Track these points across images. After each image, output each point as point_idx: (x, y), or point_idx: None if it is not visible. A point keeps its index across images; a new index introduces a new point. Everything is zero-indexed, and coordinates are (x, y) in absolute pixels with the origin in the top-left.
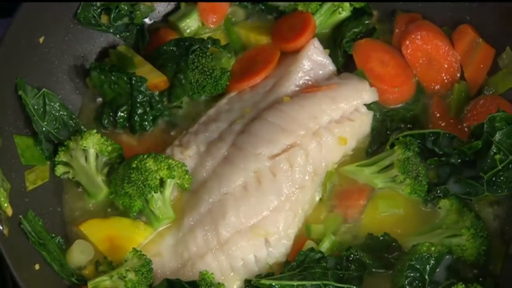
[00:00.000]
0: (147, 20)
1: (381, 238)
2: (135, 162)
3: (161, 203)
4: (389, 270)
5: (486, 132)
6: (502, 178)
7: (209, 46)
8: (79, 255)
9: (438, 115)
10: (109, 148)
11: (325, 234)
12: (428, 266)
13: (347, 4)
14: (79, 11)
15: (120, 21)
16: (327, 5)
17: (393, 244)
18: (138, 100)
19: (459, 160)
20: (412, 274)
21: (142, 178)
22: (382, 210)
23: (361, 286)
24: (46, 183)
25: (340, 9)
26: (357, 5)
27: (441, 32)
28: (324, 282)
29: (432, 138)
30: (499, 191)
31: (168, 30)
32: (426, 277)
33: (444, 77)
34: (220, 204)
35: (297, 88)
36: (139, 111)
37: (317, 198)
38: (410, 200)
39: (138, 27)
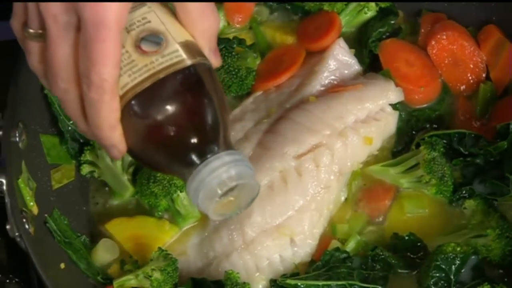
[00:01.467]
0: None
1: (406, 238)
2: None
3: (187, 202)
4: (414, 270)
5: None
6: None
7: (235, 46)
8: (104, 254)
9: (463, 115)
10: None
11: (351, 234)
12: (453, 266)
13: (373, 4)
14: None
15: None
16: (353, 4)
17: (419, 244)
18: None
19: (485, 161)
20: (437, 274)
21: (167, 178)
22: (408, 210)
23: (386, 286)
24: (71, 182)
25: (366, 9)
26: (383, 4)
27: (466, 32)
28: (350, 282)
29: (457, 138)
30: None
31: None
32: (452, 277)
33: (470, 77)
34: None
35: (322, 88)
36: None
37: (343, 198)
38: (435, 200)
39: None
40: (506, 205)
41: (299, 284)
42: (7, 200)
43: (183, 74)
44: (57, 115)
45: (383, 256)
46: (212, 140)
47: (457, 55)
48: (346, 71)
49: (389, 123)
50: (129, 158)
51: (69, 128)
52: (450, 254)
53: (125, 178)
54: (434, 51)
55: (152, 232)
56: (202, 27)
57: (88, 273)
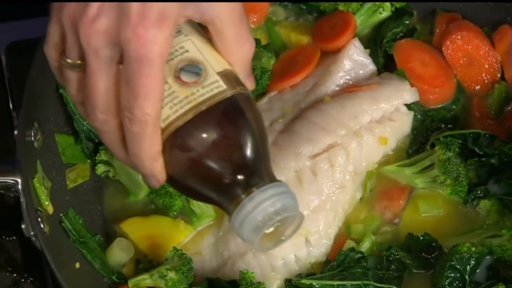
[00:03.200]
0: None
1: (421, 238)
2: None
3: (202, 203)
4: (429, 270)
5: None
6: None
7: None
8: (119, 253)
9: (478, 115)
10: None
11: (365, 234)
12: (468, 266)
13: (387, 4)
14: None
15: None
16: (368, 5)
17: (433, 244)
18: None
19: (500, 161)
20: (452, 275)
21: None
22: (422, 210)
23: (401, 286)
24: (86, 181)
25: (381, 9)
26: (398, 4)
27: (481, 32)
28: (364, 282)
29: (472, 138)
30: None
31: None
32: (467, 277)
33: (485, 78)
34: None
35: (337, 88)
36: None
37: (357, 198)
38: (450, 200)
39: None
40: None
41: (314, 284)
42: (22, 199)
43: (225, 105)
44: (72, 114)
45: (397, 256)
46: (255, 172)
47: (472, 55)
48: (361, 71)
49: (404, 123)
50: None
51: (84, 127)
52: (465, 254)
53: (140, 177)
54: (449, 51)
55: (167, 232)
56: (239, 54)
57: (103, 272)
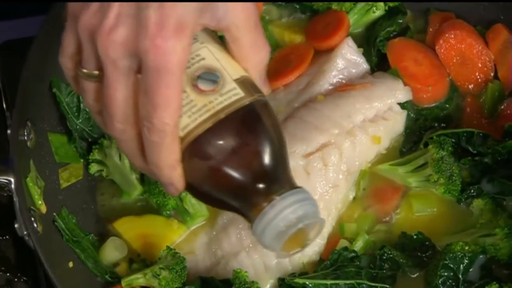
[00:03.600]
0: None
1: (414, 237)
2: None
3: (195, 201)
4: (423, 269)
5: None
6: None
7: None
8: (113, 252)
9: (471, 114)
10: None
11: (359, 233)
12: (461, 265)
13: (381, 3)
14: None
15: None
16: (361, 4)
17: (427, 243)
18: None
19: (493, 160)
20: (445, 274)
21: None
22: (416, 209)
23: (394, 285)
24: (79, 180)
25: (374, 8)
26: (391, 4)
27: (474, 31)
28: (358, 281)
29: (466, 137)
30: None
31: None
32: (460, 276)
33: (478, 77)
34: None
35: (331, 87)
36: None
37: (351, 197)
38: (443, 199)
39: None
40: None
41: (307, 283)
42: (15, 199)
43: (243, 112)
44: (65, 114)
45: (391, 255)
46: (276, 179)
47: (465, 54)
48: (354, 70)
49: (398, 122)
50: None
51: (77, 127)
52: (459, 253)
53: (134, 177)
54: (442, 50)
55: (161, 231)
56: (255, 60)
57: (96, 272)
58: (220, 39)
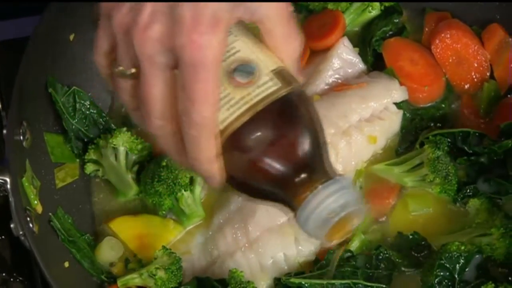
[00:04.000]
0: None
1: (410, 236)
2: (165, 160)
3: (191, 201)
4: (419, 269)
5: None
6: None
7: None
8: (108, 252)
9: (467, 114)
10: (139, 146)
11: (355, 233)
12: (457, 265)
13: (377, 2)
14: None
15: None
16: (357, 3)
17: (423, 243)
18: None
19: (489, 159)
20: (441, 273)
21: (172, 177)
22: (412, 209)
23: (390, 285)
24: (75, 180)
25: (370, 8)
26: (387, 3)
27: (470, 31)
28: (354, 281)
29: (462, 137)
30: None
31: None
32: (456, 276)
33: (474, 76)
34: (250, 202)
35: (327, 87)
36: None
37: None
38: (439, 199)
39: None
40: (510, 203)
41: (303, 282)
42: (11, 198)
43: (281, 103)
44: (61, 113)
45: (387, 255)
46: (317, 168)
47: (461, 54)
48: (350, 70)
49: (393, 122)
50: (133, 157)
51: (73, 127)
52: (454, 253)
53: (129, 177)
54: (438, 50)
55: (156, 231)
56: (290, 50)
57: (92, 271)
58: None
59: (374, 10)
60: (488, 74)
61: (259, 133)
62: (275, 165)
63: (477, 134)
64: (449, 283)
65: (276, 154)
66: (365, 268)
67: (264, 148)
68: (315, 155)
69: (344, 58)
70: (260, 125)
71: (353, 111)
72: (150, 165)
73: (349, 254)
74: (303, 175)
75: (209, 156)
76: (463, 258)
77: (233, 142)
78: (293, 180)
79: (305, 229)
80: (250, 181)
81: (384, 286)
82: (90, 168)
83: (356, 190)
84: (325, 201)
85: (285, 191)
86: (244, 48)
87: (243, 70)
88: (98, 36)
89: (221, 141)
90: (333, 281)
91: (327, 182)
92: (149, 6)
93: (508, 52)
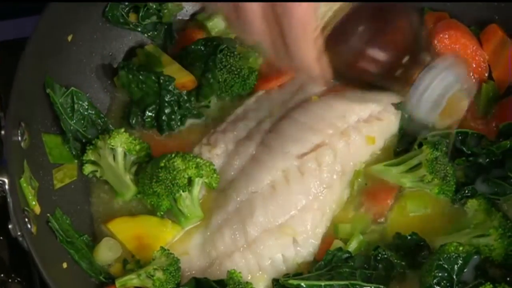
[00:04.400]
0: (174, 19)
1: (409, 237)
2: (163, 161)
3: (189, 202)
4: (417, 269)
5: None
6: None
7: (237, 45)
8: (107, 252)
9: (466, 114)
10: (137, 147)
11: (353, 234)
12: (456, 266)
13: None
14: (107, 9)
15: (148, 20)
16: None
17: (421, 243)
18: (166, 99)
19: (487, 160)
20: (440, 274)
21: (170, 177)
22: (410, 209)
23: (388, 285)
24: (74, 181)
25: None
26: None
27: (469, 31)
28: (352, 282)
29: (460, 137)
30: None
31: (196, 30)
32: (454, 277)
33: (472, 77)
34: (248, 203)
35: (325, 88)
36: (167, 110)
37: (345, 198)
38: (438, 199)
39: (166, 26)
40: (508, 204)
41: (301, 284)
42: (9, 199)
43: None
44: (59, 114)
45: (385, 256)
46: (421, 49)
47: (460, 54)
48: None
49: (392, 122)
50: (131, 157)
51: (71, 127)
52: (453, 253)
53: (127, 177)
54: (436, 50)
55: (155, 232)
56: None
57: (90, 272)
58: None
59: None
60: (486, 74)
61: (360, 25)
62: (381, 54)
63: (475, 134)
64: (448, 284)
65: (380, 44)
66: (363, 269)
67: (367, 39)
68: (418, 38)
69: None
70: (360, 17)
71: (352, 112)
72: (148, 166)
73: (347, 255)
74: (409, 58)
75: (314, 55)
76: (461, 258)
77: (336, 36)
78: (400, 65)
79: (417, 112)
80: (357, 75)
81: (382, 287)
82: (88, 169)
83: (463, 64)
84: (434, 80)
85: (393, 78)
86: None
87: None
88: None
89: (324, 38)
90: (331, 282)
91: (433, 62)
92: None
93: (506, 52)
